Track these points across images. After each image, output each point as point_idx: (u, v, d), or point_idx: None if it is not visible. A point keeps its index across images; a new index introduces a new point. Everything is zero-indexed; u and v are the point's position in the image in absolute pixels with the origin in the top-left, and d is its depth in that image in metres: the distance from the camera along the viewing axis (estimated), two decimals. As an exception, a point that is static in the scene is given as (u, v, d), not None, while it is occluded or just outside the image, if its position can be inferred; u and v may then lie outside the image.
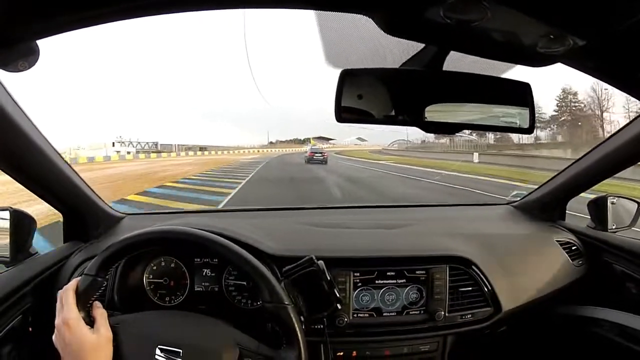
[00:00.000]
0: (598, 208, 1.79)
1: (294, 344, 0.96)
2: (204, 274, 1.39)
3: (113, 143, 47.92)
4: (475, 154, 31.05)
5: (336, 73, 0.90)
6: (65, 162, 1.35)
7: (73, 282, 0.99)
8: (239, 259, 1.03)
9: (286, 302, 0.99)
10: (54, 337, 0.95)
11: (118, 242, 1.04)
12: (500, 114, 0.96)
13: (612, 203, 1.78)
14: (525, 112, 0.95)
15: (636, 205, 1.79)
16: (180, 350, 0.93)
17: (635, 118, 1.40)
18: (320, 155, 27.88)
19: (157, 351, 0.93)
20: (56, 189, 1.39)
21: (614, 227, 1.76)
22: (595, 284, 1.70)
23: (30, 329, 1.25)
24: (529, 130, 0.95)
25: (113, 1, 0.68)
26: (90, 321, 0.96)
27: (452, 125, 0.93)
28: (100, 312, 0.98)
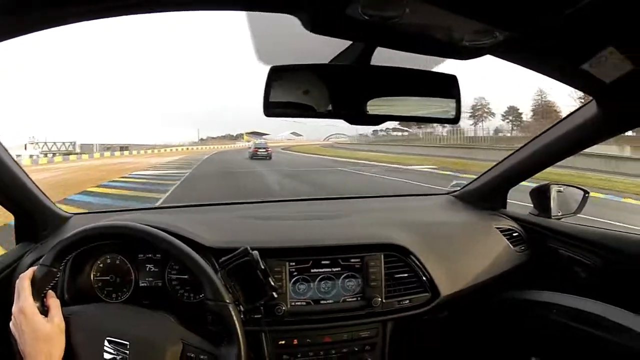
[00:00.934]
0: (540, 196, 1.96)
1: (234, 342, 1.06)
2: (147, 269, 1.48)
3: (25, 145, 44.98)
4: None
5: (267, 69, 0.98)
6: (15, 161, 1.39)
7: (29, 271, 1.08)
8: (182, 255, 1.14)
9: (227, 301, 1.09)
10: (11, 324, 1.04)
11: (72, 234, 1.14)
12: (427, 105, 1.09)
13: (559, 191, 1.96)
14: (452, 103, 1.07)
15: (582, 193, 1.97)
16: (128, 343, 1.02)
17: (576, 110, 1.55)
18: (264, 150, 29.52)
19: (106, 343, 1.02)
20: (6, 189, 1.44)
21: (559, 214, 1.93)
22: (543, 270, 1.88)
23: None
24: (454, 121, 1.08)
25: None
26: (44, 311, 1.04)
27: (378, 117, 1.04)
28: (54, 302, 1.07)
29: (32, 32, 0.82)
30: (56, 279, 1.10)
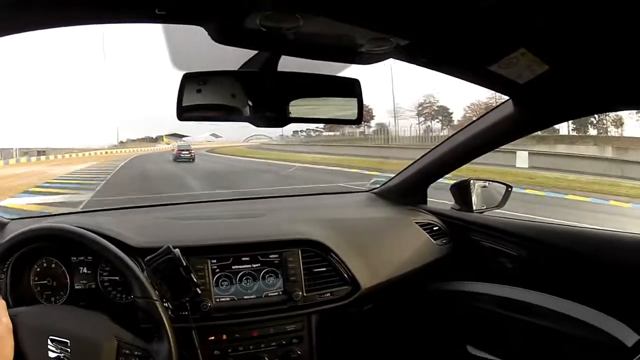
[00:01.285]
0: (461, 191, 2.07)
1: (163, 338, 1.16)
2: (81, 272, 1.52)
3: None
4: (522, 154, 18.29)
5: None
6: None
7: None
8: (111, 255, 1.23)
9: (154, 298, 1.19)
10: None
11: (12, 236, 1.21)
12: (331, 108, 1.24)
13: (484, 187, 2.09)
14: (354, 105, 1.21)
15: (505, 187, 2.10)
16: (68, 341, 1.09)
17: (494, 108, 1.68)
18: (187, 152, 29.05)
19: (49, 341, 1.08)
20: None
21: (483, 207, 2.06)
22: (467, 261, 1.99)
23: None
24: (356, 122, 1.22)
25: None
26: None
27: (284, 120, 1.17)
28: (0, 304, 1.10)
29: None
30: (0, 281, 1.18)
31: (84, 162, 31.40)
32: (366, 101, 1.22)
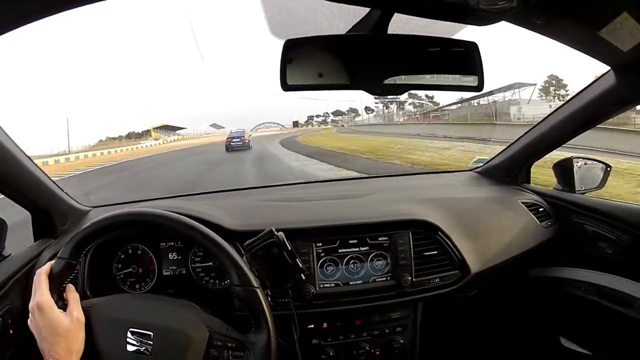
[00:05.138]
0: (564, 170, 2.20)
1: (262, 327, 1.19)
2: (170, 257, 1.68)
3: None
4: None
5: (279, 44, 1.14)
6: (27, 156, 1.56)
7: (46, 266, 1.21)
8: (206, 239, 1.27)
9: (255, 285, 1.22)
10: (28, 321, 1.16)
11: (90, 224, 1.26)
12: (449, 73, 1.26)
13: (579, 166, 2.18)
14: (474, 69, 1.24)
15: (604, 166, 2.19)
16: (151, 333, 1.16)
17: (594, 81, 1.74)
18: (238, 140, 29.15)
19: (129, 334, 1.15)
20: (20, 186, 1.60)
21: (582, 189, 2.17)
22: (567, 246, 2.09)
23: (11, 331, 1.45)
24: (478, 88, 1.24)
25: None
26: (63, 304, 1.18)
27: (399, 87, 1.22)
28: (73, 296, 1.20)
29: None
30: (75, 271, 1.23)
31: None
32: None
